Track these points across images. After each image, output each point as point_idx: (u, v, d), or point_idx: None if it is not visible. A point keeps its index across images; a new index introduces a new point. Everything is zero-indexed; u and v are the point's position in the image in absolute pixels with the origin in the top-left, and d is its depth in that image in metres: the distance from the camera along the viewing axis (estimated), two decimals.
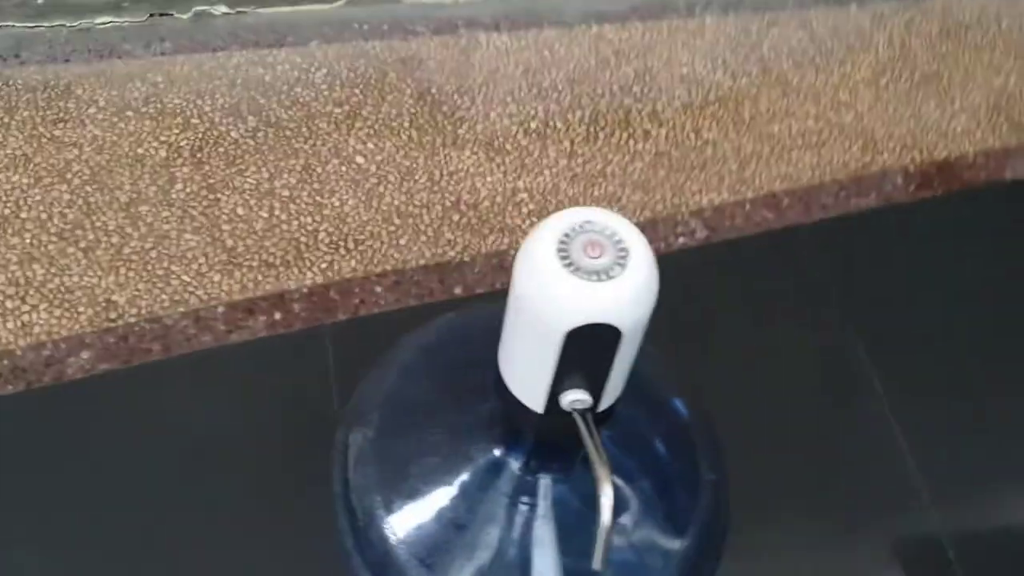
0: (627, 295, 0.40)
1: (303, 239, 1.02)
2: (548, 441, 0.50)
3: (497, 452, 0.52)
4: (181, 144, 1.07)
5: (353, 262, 1.01)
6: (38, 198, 1.02)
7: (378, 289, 0.99)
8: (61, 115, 1.09)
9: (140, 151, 1.06)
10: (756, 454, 0.85)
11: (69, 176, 1.04)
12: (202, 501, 0.87)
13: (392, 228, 1.03)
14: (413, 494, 0.53)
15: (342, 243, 1.02)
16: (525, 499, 0.52)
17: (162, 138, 1.07)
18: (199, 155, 1.06)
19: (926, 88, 1.19)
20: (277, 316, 0.97)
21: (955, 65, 1.21)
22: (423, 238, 1.03)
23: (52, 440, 0.89)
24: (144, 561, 0.84)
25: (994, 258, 1.06)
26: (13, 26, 1.14)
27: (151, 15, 1.16)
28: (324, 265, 1.00)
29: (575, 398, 0.44)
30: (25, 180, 1.03)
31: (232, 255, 1.00)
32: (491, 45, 1.19)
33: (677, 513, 0.54)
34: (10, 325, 0.94)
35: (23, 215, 1.01)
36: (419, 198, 1.05)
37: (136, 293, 0.97)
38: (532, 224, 1.05)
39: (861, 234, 1.05)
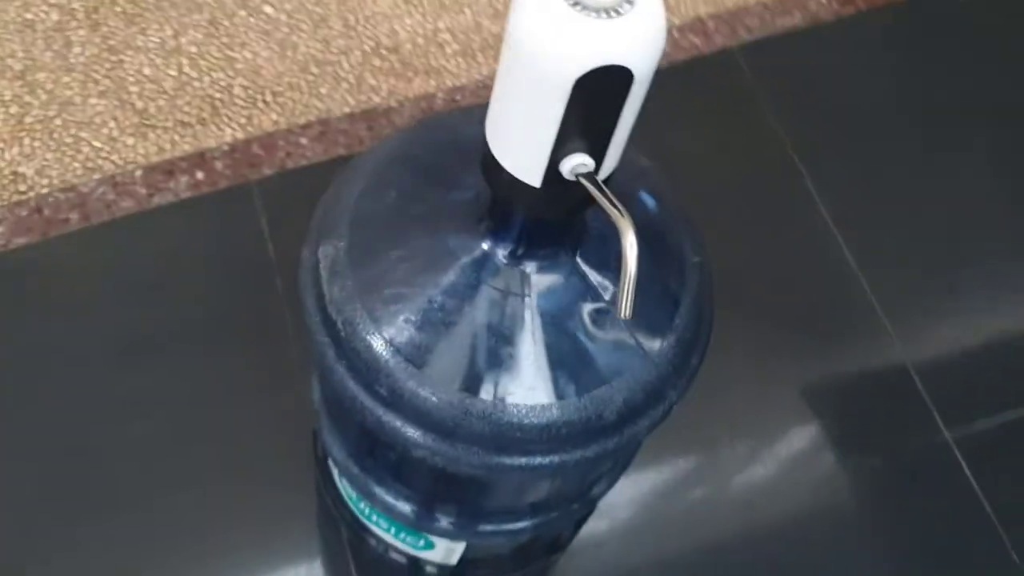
0: (642, 31, 0.37)
1: (217, 95, 0.96)
2: (537, 225, 0.48)
3: (484, 245, 0.49)
4: (74, 7, 0.99)
5: (274, 115, 0.96)
6: None
7: (303, 141, 0.94)
8: None
9: (29, 16, 0.98)
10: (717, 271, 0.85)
11: None
12: (150, 363, 0.83)
13: (311, 78, 0.98)
14: (396, 298, 0.51)
15: (259, 96, 0.97)
16: (513, 289, 0.50)
17: (51, 1, 1.00)
18: (95, 16, 0.99)
19: None
20: (200, 175, 0.92)
21: None
22: (344, 86, 0.98)
23: None
24: (84, 429, 0.80)
25: (913, 68, 1.07)
26: None
27: None
28: (243, 120, 0.95)
29: (577, 162, 0.42)
30: None
31: (144, 117, 0.94)
32: None
33: (669, 294, 0.53)
34: None
35: None
36: (336, 45, 1.00)
37: (45, 163, 0.91)
38: (457, 65, 1.01)
39: (788, 53, 1.05)
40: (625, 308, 0.40)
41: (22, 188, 0.89)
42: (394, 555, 0.73)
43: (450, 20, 1.03)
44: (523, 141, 0.43)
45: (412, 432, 0.51)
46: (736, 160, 0.98)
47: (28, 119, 0.93)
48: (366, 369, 0.51)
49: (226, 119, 0.95)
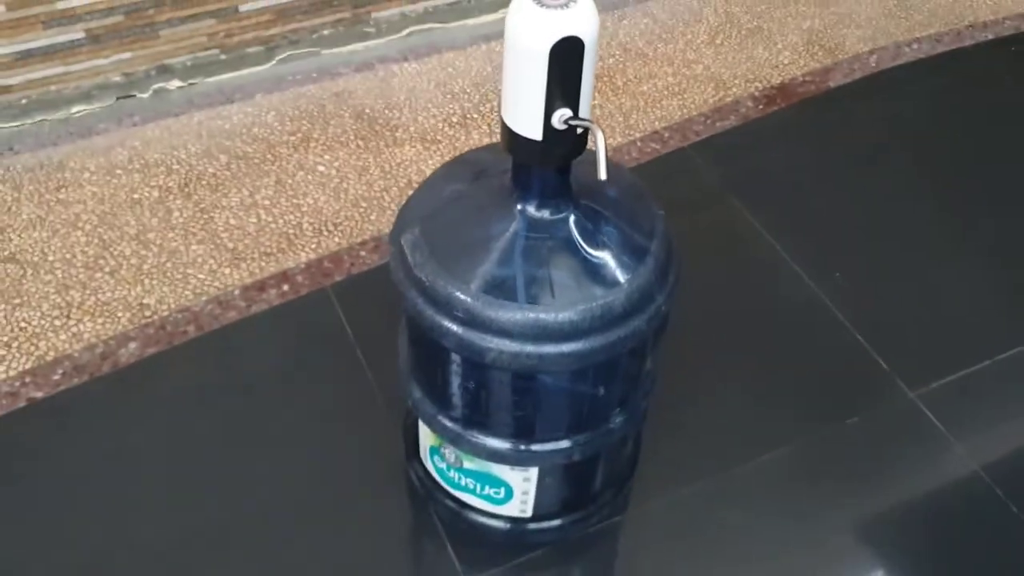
0: (584, 14, 0.64)
1: (291, 231, 1.23)
2: (547, 179, 0.72)
3: (517, 206, 0.74)
4: (169, 185, 1.28)
5: (337, 238, 1.22)
6: (59, 244, 1.21)
7: (363, 253, 1.20)
8: (61, 183, 1.28)
9: (136, 196, 1.26)
10: (692, 333, 1.07)
11: (81, 224, 1.23)
12: (266, 435, 1.05)
13: (362, 210, 1.25)
14: (460, 250, 0.74)
15: (324, 228, 1.23)
16: (540, 234, 0.73)
17: (152, 183, 1.28)
18: (187, 189, 1.27)
19: (753, 38, 1.48)
20: (285, 288, 1.17)
21: (771, 19, 1.51)
22: (389, 212, 1.25)
23: (121, 415, 1.06)
24: (217, 500, 1.01)
25: (828, 146, 1.34)
26: (2, 127, 1.34)
27: (118, 98, 1.38)
28: (314, 246, 1.21)
29: (562, 112, 0.67)
30: (44, 234, 1.22)
31: (235, 254, 1.20)
32: (404, 72, 1.44)
33: (646, 232, 0.76)
34: (63, 337, 1.12)
35: (50, 258, 1.19)
36: (377, 185, 1.28)
37: (163, 295, 1.16)
38: None
39: (729, 145, 1.32)
40: (602, 171, 0.64)
41: (147, 314, 1.14)
42: (480, 519, 0.92)
43: None
44: (525, 107, 0.68)
45: (486, 340, 0.73)
46: (696, 220, 1.24)
47: (146, 266, 1.19)
48: (446, 303, 0.74)
49: (300, 246, 1.21)
